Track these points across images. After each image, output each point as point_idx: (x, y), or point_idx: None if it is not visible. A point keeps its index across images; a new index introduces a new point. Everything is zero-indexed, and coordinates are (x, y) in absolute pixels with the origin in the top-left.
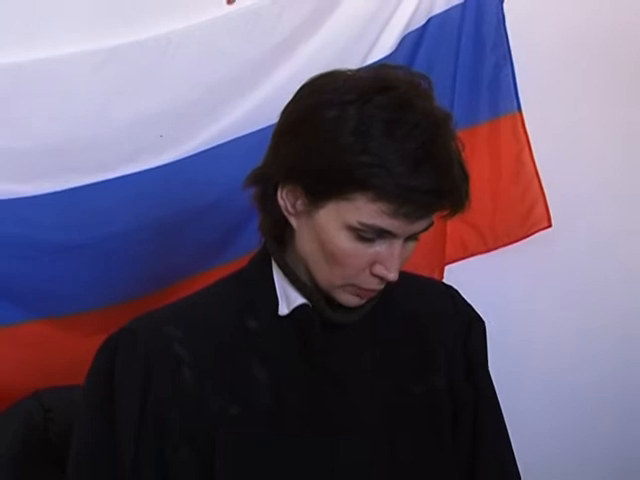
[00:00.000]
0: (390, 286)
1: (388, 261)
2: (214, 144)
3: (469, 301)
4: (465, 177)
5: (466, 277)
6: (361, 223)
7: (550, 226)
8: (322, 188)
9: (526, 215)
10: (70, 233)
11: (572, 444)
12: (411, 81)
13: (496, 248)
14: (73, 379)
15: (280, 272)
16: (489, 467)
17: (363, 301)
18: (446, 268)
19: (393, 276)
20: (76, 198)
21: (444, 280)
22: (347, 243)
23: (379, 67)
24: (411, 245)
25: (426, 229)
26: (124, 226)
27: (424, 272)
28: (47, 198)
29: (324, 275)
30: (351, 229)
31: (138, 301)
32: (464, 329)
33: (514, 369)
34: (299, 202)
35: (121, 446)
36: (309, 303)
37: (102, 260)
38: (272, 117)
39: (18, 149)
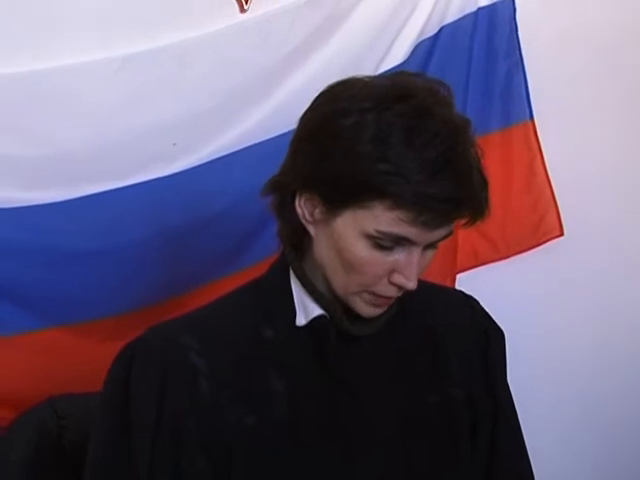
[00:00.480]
0: (408, 295)
1: (407, 269)
2: (228, 152)
3: None
4: (484, 184)
5: (477, 285)
6: (379, 231)
7: (562, 235)
8: (340, 196)
9: (538, 224)
10: (83, 240)
11: (586, 455)
12: (430, 88)
13: (508, 257)
14: (87, 386)
15: (298, 282)
16: None
17: (380, 310)
18: (457, 277)
19: (412, 285)
20: (90, 206)
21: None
22: (365, 251)
23: (396, 74)
24: (430, 253)
25: (445, 237)
26: (138, 234)
27: (435, 280)
28: (61, 206)
29: (341, 282)
30: (369, 237)
31: (152, 308)
32: (482, 340)
33: (526, 378)
34: (317, 210)
35: (137, 454)
36: (327, 314)
37: (116, 267)
38: (285, 125)
39: (32, 157)
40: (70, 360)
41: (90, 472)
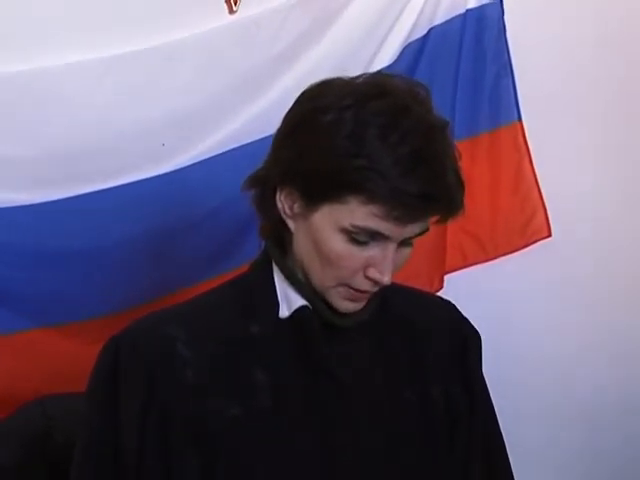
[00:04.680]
0: (388, 294)
1: (381, 264)
2: (216, 152)
3: (469, 310)
4: (460, 185)
5: (466, 286)
6: (354, 225)
7: (550, 236)
8: (317, 191)
9: (526, 224)
10: (71, 241)
11: (574, 453)
12: (409, 89)
13: (496, 257)
14: (76, 387)
15: (281, 275)
16: None
17: (358, 306)
18: (446, 277)
19: (387, 280)
20: (78, 206)
21: (444, 289)
22: (341, 245)
23: (377, 74)
24: (406, 251)
25: (420, 234)
26: (126, 234)
27: (424, 281)
28: (49, 206)
29: (318, 276)
30: (345, 232)
31: (140, 309)
32: (460, 342)
33: (515, 379)
34: (296, 205)
35: (126, 445)
36: (309, 305)
37: (104, 268)
38: (274, 126)
39: (20, 157)
40: (58, 361)
41: (79, 465)
